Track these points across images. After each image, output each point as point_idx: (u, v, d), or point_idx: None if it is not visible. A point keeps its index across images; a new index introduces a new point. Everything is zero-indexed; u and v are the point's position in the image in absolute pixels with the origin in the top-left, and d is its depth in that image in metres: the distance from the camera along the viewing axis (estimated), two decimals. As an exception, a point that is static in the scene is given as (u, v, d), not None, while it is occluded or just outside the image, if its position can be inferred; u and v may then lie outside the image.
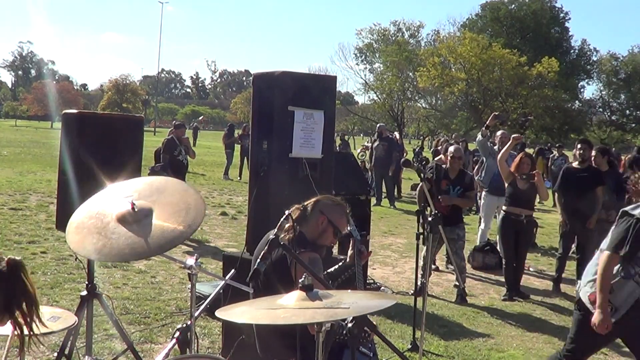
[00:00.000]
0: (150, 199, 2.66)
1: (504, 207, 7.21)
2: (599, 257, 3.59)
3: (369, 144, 19.95)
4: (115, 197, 2.72)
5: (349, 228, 3.37)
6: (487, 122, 8.52)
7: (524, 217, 7.07)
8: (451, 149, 7.47)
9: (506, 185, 7.28)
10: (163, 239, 2.49)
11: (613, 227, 3.65)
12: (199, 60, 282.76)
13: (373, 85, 46.63)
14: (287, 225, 3.05)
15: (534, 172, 7.19)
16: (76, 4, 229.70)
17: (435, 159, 9.22)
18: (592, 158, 7.49)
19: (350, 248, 3.57)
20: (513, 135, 7.69)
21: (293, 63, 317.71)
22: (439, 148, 14.88)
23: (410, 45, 46.67)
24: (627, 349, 5.55)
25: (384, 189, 15.38)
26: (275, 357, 3.05)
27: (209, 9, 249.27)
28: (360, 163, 12.85)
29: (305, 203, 3.25)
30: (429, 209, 5.20)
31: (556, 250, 7.90)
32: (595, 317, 3.51)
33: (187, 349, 2.60)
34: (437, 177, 7.04)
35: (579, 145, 7.63)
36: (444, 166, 7.32)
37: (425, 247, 5.35)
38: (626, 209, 3.61)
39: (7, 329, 2.68)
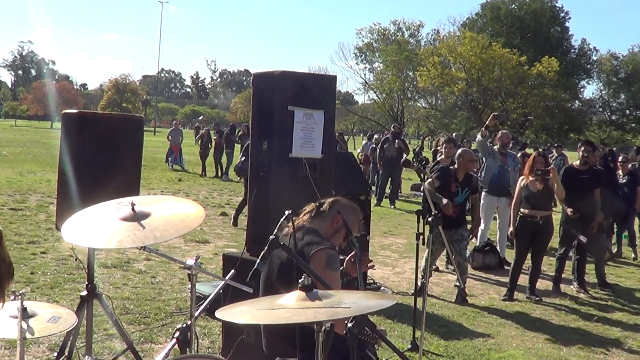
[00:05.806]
0: (150, 206, 2.69)
1: (521, 210, 7.10)
2: None
3: (367, 143, 19.98)
4: (115, 205, 2.75)
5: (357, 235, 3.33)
6: (487, 122, 8.50)
7: (539, 218, 6.98)
8: (460, 151, 7.33)
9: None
10: (163, 226, 2.52)
11: None
12: (199, 60, 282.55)
13: (373, 85, 46.64)
14: (303, 217, 3.08)
15: (550, 167, 7.12)
16: (76, 4, 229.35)
17: (439, 158, 9.17)
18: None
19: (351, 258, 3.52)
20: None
21: (293, 63, 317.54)
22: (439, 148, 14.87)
23: (410, 44, 46.67)
24: (627, 349, 5.57)
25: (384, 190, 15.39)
26: (281, 355, 3.05)
27: (209, 9, 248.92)
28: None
29: (322, 200, 3.24)
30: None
31: (556, 250, 7.88)
32: None
33: (187, 349, 2.59)
34: (446, 180, 6.88)
35: (582, 147, 7.60)
36: (451, 167, 7.17)
37: (426, 250, 5.33)
38: None
39: (12, 332, 2.68)
